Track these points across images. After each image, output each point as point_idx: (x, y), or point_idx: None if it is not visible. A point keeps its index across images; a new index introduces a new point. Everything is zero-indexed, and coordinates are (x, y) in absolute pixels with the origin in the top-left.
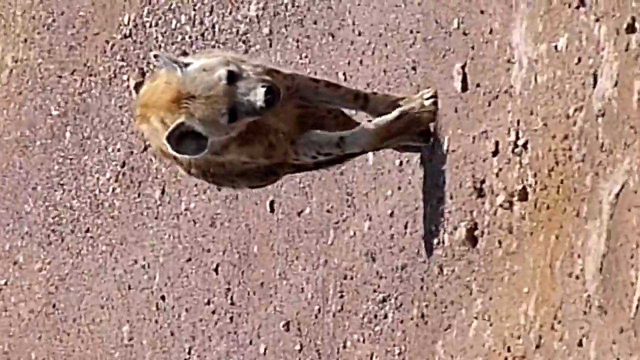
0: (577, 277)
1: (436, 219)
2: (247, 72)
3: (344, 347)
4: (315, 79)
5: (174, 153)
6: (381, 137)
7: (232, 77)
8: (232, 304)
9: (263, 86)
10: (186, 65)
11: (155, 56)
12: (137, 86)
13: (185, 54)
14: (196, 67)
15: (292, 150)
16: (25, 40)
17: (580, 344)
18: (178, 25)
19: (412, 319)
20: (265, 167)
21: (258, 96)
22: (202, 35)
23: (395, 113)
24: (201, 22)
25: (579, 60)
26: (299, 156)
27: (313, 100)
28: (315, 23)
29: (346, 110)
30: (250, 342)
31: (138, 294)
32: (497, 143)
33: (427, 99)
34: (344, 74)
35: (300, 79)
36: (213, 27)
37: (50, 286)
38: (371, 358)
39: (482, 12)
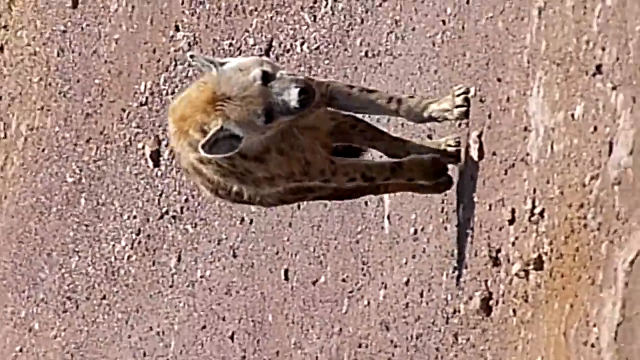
0: (593, 346)
1: (451, 288)
2: (281, 73)
3: None
4: (350, 85)
5: (208, 156)
6: (429, 172)
7: (267, 77)
8: None
9: (296, 86)
10: (222, 64)
11: (191, 57)
12: (153, 154)
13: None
14: (232, 67)
15: (329, 169)
16: (42, 108)
17: None
18: None
19: None
20: (292, 190)
21: (292, 96)
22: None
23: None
24: None
25: (595, 128)
26: (336, 176)
27: (347, 107)
28: None
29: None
30: None
31: None
32: (513, 211)
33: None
34: None
35: (334, 85)
36: None
37: (66, 354)
38: None
39: (499, 80)
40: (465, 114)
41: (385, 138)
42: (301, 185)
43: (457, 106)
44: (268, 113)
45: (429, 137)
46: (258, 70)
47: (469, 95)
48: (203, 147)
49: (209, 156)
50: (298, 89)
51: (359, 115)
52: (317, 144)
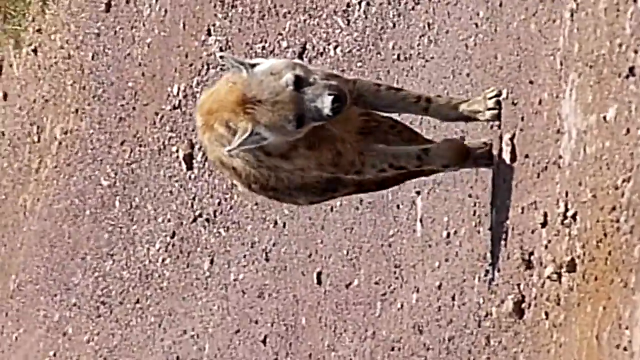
0: (625, 349)
1: (484, 291)
2: (314, 77)
3: None
4: (377, 82)
5: (232, 152)
6: (462, 153)
7: (299, 83)
8: None
9: (330, 93)
10: (252, 66)
11: (221, 57)
12: (186, 157)
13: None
14: (263, 70)
15: (359, 160)
16: (76, 111)
17: None
18: None
19: None
20: (324, 182)
21: (325, 103)
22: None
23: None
24: None
25: (628, 130)
26: (365, 167)
27: (375, 104)
28: None
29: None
30: None
31: None
32: (545, 214)
33: (490, 98)
34: None
35: (361, 83)
36: None
37: (100, 358)
38: None
39: (531, 82)
40: (497, 117)
41: (419, 140)
42: (331, 177)
43: (489, 108)
44: (299, 119)
45: (462, 138)
46: (290, 74)
47: (501, 98)
48: (229, 149)
49: (233, 152)
50: (331, 97)
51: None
52: (346, 135)
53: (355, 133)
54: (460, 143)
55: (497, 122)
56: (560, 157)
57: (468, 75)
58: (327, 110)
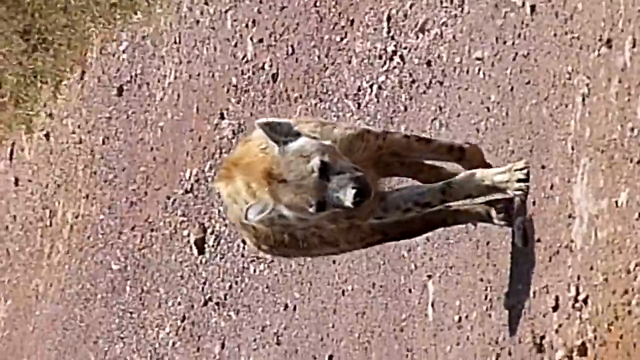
0: None
1: None
2: (341, 165)
3: None
4: (406, 134)
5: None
6: (486, 185)
7: (325, 169)
8: None
9: (354, 187)
10: (285, 143)
11: (259, 125)
12: (198, 242)
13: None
14: (294, 149)
15: (380, 207)
16: (87, 196)
17: None
18: None
19: None
20: (341, 234)
21: (347, 196)
22: (246, 217)
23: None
24: None
25: None
26: (388, 213)
27: (405, 156)
28: None
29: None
30: None
31: None
32: (557, 298)
33: (519, 169)
34: None
35: (391, 137)
36: None
37: None
38: None
39: (542, 167)
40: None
41: (424, 168)
42: (358, 228)
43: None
44: (320, 205)
45: (474, 224)
46: (317, 160)
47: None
48: (247, 217)
49: (254, 220)
50: (355, 190)
51: None
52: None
53: (376, 178)
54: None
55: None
56: (572, 241)
57: None
58: (348, 203)
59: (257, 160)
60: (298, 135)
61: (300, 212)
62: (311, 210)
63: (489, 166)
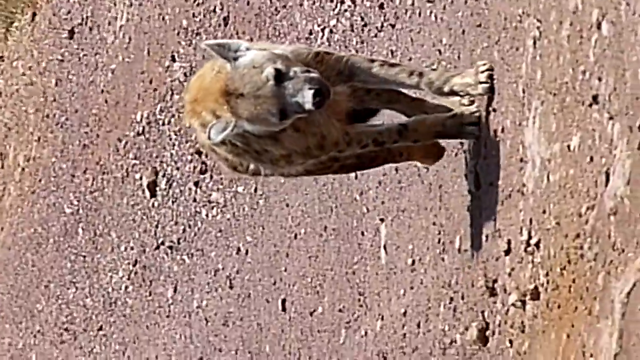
0: None
1: (448, 319)
2: (294, 70)
3: None
4: (371, 58)
5: (216, 141)
6: (440, 130)
7: (280, 76)
8: None
9: (310, 88)
10: (235, 59)
11: (205, 46)
12: (150, 185)
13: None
14: (245, 62)
15: (344, 140)
16: (39, 139)
17: None
18: None
19: None
20: (313, 164)
21: (306, 98)
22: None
23: (452, 112)
24: None
25: (592, 159)
26: (350, 147)
27: (368, 81)
28: None
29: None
30: None
31: None
32: (509, 242)
33: (483, 72)
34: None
35: (353, 60)
36: None
37: None
38: None
39: (494, 110)
40: (490, 90)
41: (401, 99)
42: (318, 160)
43: (481, 82)
44: (282, 112)
45: (426, 168)
46: (270, 68)
47: (493, 73)
48: (209, 137)
49: (217, 140)
50: (312, 91)
51: None
52: (332, 117)
53: (343, 113)
54: (440, 119)
55: (490, 95)
56: (523, 185)
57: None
58: (308, 105)
59: (212, 82)
60: (248, 50)
61: (263, 124)
62: (274, 119)
63: (446, 93)
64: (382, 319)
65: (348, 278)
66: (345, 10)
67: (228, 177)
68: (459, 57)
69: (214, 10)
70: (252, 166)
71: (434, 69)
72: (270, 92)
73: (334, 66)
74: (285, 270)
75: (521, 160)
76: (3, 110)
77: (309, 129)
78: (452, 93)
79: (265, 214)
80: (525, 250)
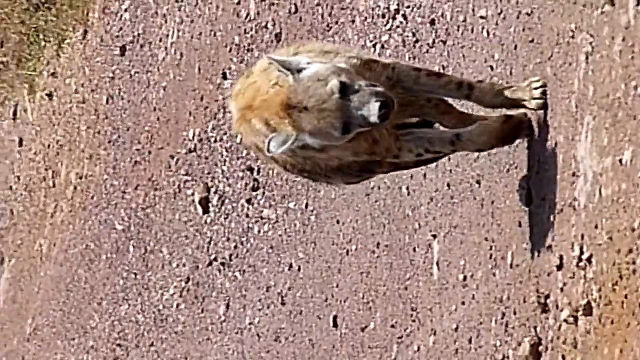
0: None
1: (501, 334)
2: (360, 84)
3: None
4: (417, 67)
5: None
6: (497, 136)
7: (345, 90)
8: None
9: (377, 100)
10: (299, 71)
11: (269, 60)
12: (202, 201)
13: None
14: (309, 75)
15: (396, 146)
16: (91, 157)
17: None
18: None
19: None
20: (362, 164)
21: (372, 111)
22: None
23: (504, 116)
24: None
25: None
26: (402, 152)
27: (415, 90)
28: None
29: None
30: None
31: None
32: (561, 257)
33: (537, 88)
34: (407, 188)
35: (400, 69)
36: None
37: None
38: None
39: (547, 125)
40: (544, 107)
41: (453, 111)
42: (367, 162)
43: (535, 98)
44: (346, 126)
45: (478, 182)
46: (336, 81)
47: (547, 89)
48: (269, 150)
49: (277, 153)
50: (379, 103)
51: None
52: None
53: (393, 119)
54: (494, 127)
55: (542, 112)
56: (576, 199)
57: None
58: (374, 118)
59: (272, 95)
60: (309, 64)
61: (325, 138)
62: (337, 134)
63: (497, 106)
64: (435, 334)
65: (400, 294)
66: (397, 27)
67: (280, 194)
68: (511, 73)
69: (266, 27)
70: (307, 167)
71: (481, 81)
72: (335, 106)
73: (381, 73)
74: (337, 286)
75: (574, 175)
76: (56, 127)
77: (362, 135)
78: (505, 105)
79: (317, 230)
80: (578, 266)
